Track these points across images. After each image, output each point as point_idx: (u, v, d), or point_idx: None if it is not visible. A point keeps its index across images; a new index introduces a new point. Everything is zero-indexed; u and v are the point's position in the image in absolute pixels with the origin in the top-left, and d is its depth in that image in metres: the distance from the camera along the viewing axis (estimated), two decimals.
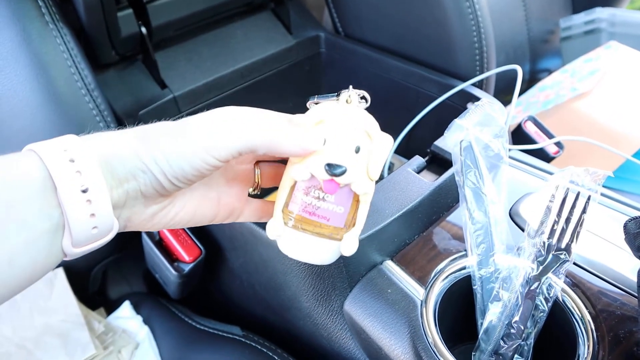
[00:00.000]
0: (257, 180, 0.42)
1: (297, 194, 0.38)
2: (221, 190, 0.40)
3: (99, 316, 0.65)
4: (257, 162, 0.42)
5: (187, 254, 0.58)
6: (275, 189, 0.40)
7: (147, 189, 0.34)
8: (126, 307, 0.67)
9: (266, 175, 0.43)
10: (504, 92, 0.90)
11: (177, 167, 0.33)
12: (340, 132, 0.36)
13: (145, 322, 0.66)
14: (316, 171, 0.36)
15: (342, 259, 0.49)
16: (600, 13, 1.20)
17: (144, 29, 0.68)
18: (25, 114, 0.56)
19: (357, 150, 0.36)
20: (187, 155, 0.33)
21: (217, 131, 0.34)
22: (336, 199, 0.37)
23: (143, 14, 0.67)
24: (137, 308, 0.68)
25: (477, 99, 0.70)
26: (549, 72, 1.23)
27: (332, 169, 0.35)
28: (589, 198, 0.48)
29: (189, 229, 0.61)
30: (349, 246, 0.38)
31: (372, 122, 0.38)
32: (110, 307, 0.71)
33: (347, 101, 0.38)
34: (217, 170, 0.35)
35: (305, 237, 0.38)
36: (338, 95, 0.39)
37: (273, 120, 0.36)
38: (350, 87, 0.39)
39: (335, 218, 0.38)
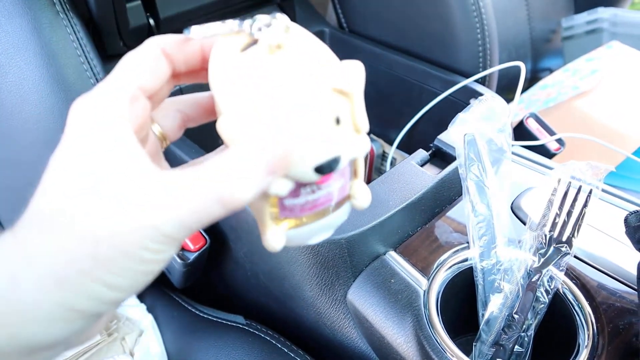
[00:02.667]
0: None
1: (285, 202, 0.28)
2: None
3: None
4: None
5: (192, 243, 0.59)
6: None
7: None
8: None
9: None
10: (506, 90, 0.91)
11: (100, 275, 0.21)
12: (304, 109, 0.24)
13: (149, 310, 0.66)
14: (304, 178, 0.26)
15: (346, 249, 0.50)
16: (602, 13, 1.21)
17: (152, 21, 0.68)
18: (35, 101, 0.57)
19: (339, 121, 0.26)
20: (120, 242, 0.21)
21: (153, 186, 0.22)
22: (333, 178, 0.28)
23: (151, 5, 0.67)
24: (141, 296, 0.69)
25: (480, 95, 0.71)
26: (551, 71, 1.24)
27: (326, 169, 0.26)
28: (590, 192, 0.49)
29: None
30: (363, 197, 0.30)
31: (329, 59, 0.26)
32: None
33: (276, 46, 0.25)
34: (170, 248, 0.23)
35: (313, 225, 0.29)
36: (239, 28, 0.26)
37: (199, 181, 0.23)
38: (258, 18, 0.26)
39: (338, 193, 0.29)
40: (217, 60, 0.27)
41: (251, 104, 0.24)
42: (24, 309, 0.21)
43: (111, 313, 0.24)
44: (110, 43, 0.67)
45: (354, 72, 0.26)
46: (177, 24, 0.73)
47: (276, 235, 0.28)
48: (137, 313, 0.65)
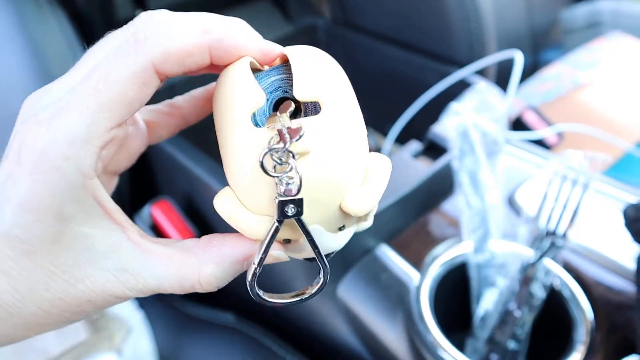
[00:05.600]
0: None
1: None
2: None
3: None
4: None
5: (181, 238, 0.58)
6: None
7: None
8: None
9: None
10: (505, 82, 0.90)
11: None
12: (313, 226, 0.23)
13: (138, 308, 0.65)
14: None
15: None
16: (603, 5, 1.19)
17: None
18: (21, 95, 0.55)
19: (342, 228, 0.24)
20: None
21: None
22: None
23: None
24: None
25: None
26: (550, 63, 1.22)
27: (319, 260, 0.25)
28: (586, 184, 0.47)
29: (184, 212, 0.60)
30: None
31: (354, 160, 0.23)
32: None
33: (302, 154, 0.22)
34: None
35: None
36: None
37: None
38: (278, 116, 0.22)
39: None
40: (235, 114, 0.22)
41: (260, 205, 0.23)
42: None
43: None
44: (97, 35, 0.65)
45: (372, 196, 0.23)
46: None
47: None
48: (126, 311, 0.64)
